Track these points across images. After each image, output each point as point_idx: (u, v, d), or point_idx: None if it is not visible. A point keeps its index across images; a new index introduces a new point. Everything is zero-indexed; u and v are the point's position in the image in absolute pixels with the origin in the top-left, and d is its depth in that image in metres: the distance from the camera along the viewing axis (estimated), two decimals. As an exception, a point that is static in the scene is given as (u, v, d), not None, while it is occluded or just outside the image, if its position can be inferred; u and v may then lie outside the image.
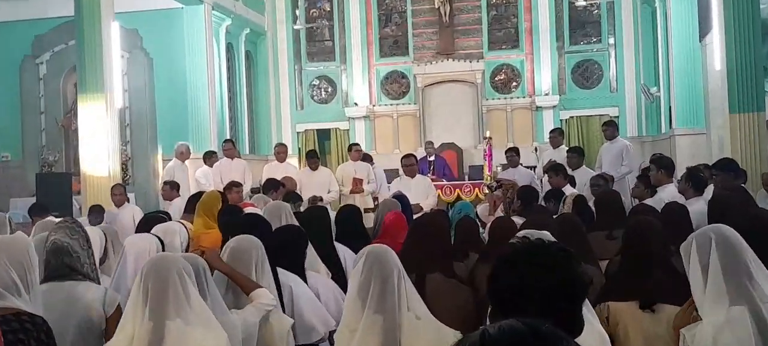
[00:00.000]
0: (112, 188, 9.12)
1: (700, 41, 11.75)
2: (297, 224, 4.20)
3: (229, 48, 14.90)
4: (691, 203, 5.46)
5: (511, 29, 16.40)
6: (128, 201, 9.26)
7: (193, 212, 5.58)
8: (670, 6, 12.63)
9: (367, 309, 2.58)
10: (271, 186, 7.68)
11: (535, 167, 10.80)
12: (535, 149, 12.74)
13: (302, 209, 6.84)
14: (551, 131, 10.46)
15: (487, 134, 10.77)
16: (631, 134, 15.10)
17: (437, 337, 2.56)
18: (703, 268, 2.53)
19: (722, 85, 9.44)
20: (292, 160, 13.97)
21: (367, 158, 11.01)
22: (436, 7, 16.10)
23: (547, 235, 2.83)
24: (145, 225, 4.69)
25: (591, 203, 5.86)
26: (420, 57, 16.29)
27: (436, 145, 13.83)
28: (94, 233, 3.72)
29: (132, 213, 8.26)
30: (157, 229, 4.15)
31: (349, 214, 5.13)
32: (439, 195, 10.56)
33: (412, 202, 7.11)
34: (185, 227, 3.91)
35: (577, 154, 8.86)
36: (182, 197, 8.07)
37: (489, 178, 9.54)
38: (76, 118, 11.02)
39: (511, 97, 15.99)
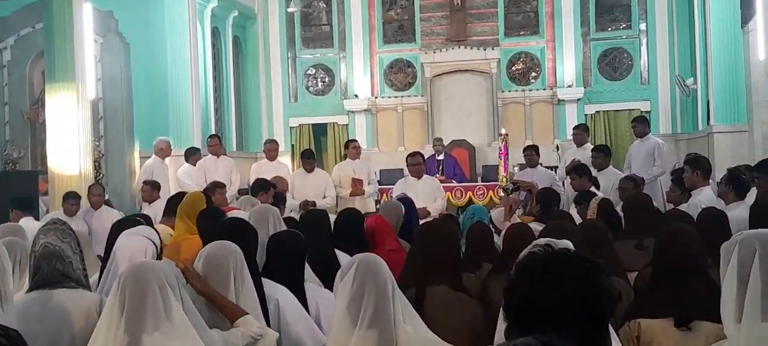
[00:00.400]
0: (90, 188, 9.13)
1: (741, 28, 11.71)
2: (285, 228, 4.20)
3: (215, 33, 14.90)
4: (731, 208, 5.45)
5: (531, 13, 16.38)
6: (109, 205, 9.26)
7: (173, 215, 5.57)
8: (709, -12, 12.62)
9: (359, 325, 2.59)
10: (260, 187, 7.68)
11: (556, 168, 10.78)
12: (557, 148, 12.74)
13: (293, 214, 6.82)
14: (575, 128, 10.45)
15: (503, 131, 10.69)
16: (664, 131, 15.08)
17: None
18: (740, 279, 2.50)
19: (767, 76, 9.41)
20: (284, 159, 13.97)
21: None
22: (447, -12, 16.12)
23: (568, 243, 2.82)
24: (118, 230, 4.66)
25: (618, 208, 5.85)
26: (428, 44, 16.29)
27: (445, 143, 13.83)
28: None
29: (112, 218, 8.27)
30: (124, 236, 4.11)
31: (348, 218, 5.11)
32: (448, 198, 10.56)
33: (418, 205, 7.11)
34: (157, 233, 3.90)
35: (604, 154, 8.86)
36: (164, 199, 8.07)
37: (504, 179, 9.52)
38: (44, 110, 11.03)
39: (530, 90, 15.97)
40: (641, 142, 9.39)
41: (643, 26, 15.97)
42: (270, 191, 7.66)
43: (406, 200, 6.49)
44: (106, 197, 9.56)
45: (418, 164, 8.77)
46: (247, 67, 16.53)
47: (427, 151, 13.15)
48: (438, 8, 16.36)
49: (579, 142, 9.92)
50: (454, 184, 12.02)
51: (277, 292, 3.36)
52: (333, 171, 10.39)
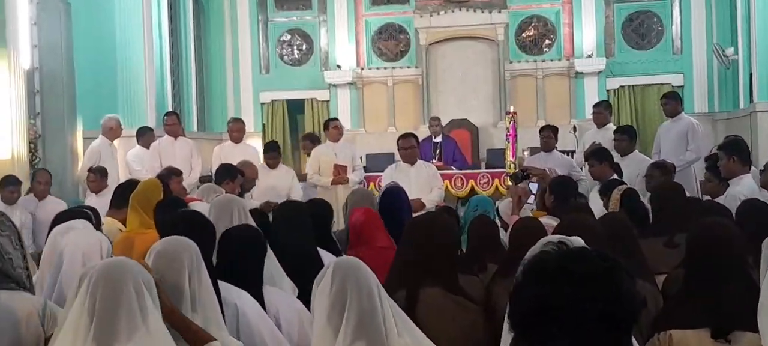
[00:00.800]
0: (35, 175, 9.10)
1: (791, -11, 11.76)
2: (253, 223, 4.20)
3: (173, -8, 14.84)
4: (776, 199, 5.48)
5: (544, -30, 16.38)
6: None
7: (121, 207, 5.56)
8: (753, -58, 12.64)
9: (342, 337, 2.60)
10: (225, 174, 7.67)
11: (573, 152, 10.79)
12: (574, 129, 12.73)
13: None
14: (595, 105, 10.46)
15: (511, 109, 10.78)
16: (699, 110, 15.11)
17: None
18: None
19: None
20: (254, 141, 13.94)
21: (313, 139, 11.01)
22: (446, -60, 16.08)
23: (581, 241, 2.83)
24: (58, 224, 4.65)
25: (645, 200, 5.87)
26: (424, 6, 16.25)
27: (443, 123, 13.81)
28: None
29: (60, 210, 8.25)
30: (59, 230, 4.10)
31: (317, 210, 5.11)
32: (446, 188, 10.57)
33: (411, 196, 7.11)
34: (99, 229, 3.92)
35: (628, 136, 8.86)
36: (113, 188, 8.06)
37: (512, 165, 9.55)
38: (-31, 82, 10.95)
39: (543, 60, 15.96)
40: (672, 123, 9.40)
41: (675, -13, 15.99)
42: (237, 178, 7.65)
43: (396, 190, 6.50)
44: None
45: (411, 148, 8.77)
46: (210, 32, 16.46)
47: (422, 132, 13.14)
48: (435, -36, 16.35)
49: (600, 122, 9.93)
50: (454, 171, 12.00)
51: (236, 296, 3.37)
52: (311, 155, 10.39)
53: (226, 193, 6.50)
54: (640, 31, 16.16)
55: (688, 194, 5.99)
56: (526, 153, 11.17)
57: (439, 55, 16.04)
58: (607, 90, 15.80)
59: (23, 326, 3.02)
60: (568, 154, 10.31)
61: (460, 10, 15.89)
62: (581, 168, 9.22)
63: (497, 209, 6.63)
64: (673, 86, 14.94)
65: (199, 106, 15.86)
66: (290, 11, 16.91)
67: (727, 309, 3.11)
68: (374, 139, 15.40)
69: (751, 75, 13.25)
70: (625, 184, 6.63)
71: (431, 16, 15.96)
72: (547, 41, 16.21)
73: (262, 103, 16.72)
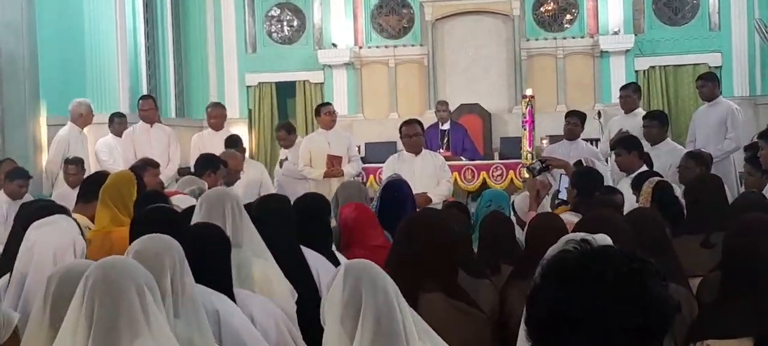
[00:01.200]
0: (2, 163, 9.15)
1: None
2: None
3: (147, -40, 14.83)
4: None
5: (565, -64, 16.36)
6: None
7: (89, 202, 5.57)
8: None
9: (358, 344, 2.63)
10: (206, 164, 7.69)
11: (597, 141, 10.79)
12: (598, 114, 12.73)
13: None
14: (622, 88, 10.46)
15: (528, 92, 10.77)
16: (739, 93, 15.09)
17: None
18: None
19: None
20: (239, 129, 13.93)
21: (288, 127, 10.97)
22: None
23: (606, 238, 2.83)
24: (26, 220, 4.64)
25: (679, 194, 5.87)
26: (429, -24, 16.24)
27: (452, 108, 13.82)
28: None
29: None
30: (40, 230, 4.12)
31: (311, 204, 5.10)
32: (455, 180, 10.57)
33: (415, 190, 7.11)
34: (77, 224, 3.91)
35: (659, 123, 8.87)
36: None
37: (530, 156, 9.55)
38: None
39: (564, 38, 15.95)
40: (709, 108, 9.40)
41: (712, -46, 15.97)
42: (220, 169, 7.67)
43: (399, 183, 6.50)
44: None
45: (415, 136, 8.78)
46: (189, 7, 16.43)
47: (428, 118, 13.14)
48: (443, -71, 16.30)
49: (628, 107, 9.93)
50: (464, 162, 12.02)
51: (216, 301, 3.39)
52: (301, 145, 10.40)
53: (208, 186, 6.55)
54: (672, 4, 16.13)
55: (727, 188, 6.00)
56: (544, 142, 11.18)
57: (447, 32, 16.02)
58: (636, 71, 15.77)
59: None
60: (592, 143, 10.30)
61: (471, -20, 15.89)
62: (607, 159, 9.21)
63: (512, 205, 6.64)
64: (710, 67, 14.90)
65: (177, 90, 15.86)
66: (279, -17, 16.90)
67: (770, 316, 3.12)
68: (374, 127, 15.40)
69: (797, 54, 13.25)
70: (659, 176, 6.63)
71: (438, -13, 15.95)
72: (568, 16, 16.19)
73: (248, 86, 16.70)
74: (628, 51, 15.77)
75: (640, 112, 9.78)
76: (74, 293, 2.60)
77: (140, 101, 11.07)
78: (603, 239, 2.77)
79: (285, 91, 16.71)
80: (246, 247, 4.07)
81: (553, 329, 1.61)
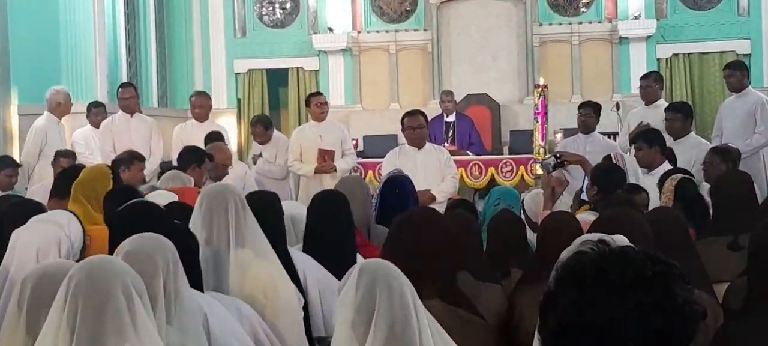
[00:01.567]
0: None
1: None
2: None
3: (128, -63, 14.82)
4: None
5: None
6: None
7: (63, 198, 5.58)
8: None
9: None
10: (191, 158, 7.69)
11: (615, 134, 10.78)
12: (617, 106, 12.73)
13: None
14: (643, 77, 10.46)
15: (541, 81, 10.75)
16: (770, 84, 15.11)
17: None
18: None
19: None
20: (226, 120, 13.94)
21: (266, 122, 10.93)
22: None
23: (624, 239, 2.83)
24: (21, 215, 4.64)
25: (704, 192, 5.87)
26: (434, -45, 16.23)
27: (457, 98, 13.80)
28: None
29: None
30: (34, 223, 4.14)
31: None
32: (461, 177, 10.57)
33: (418, 187, 7.11)
34: (80, 223, 3.94)
35: (683, 115, 8.88)
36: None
37: (542, 150, 9.54)
38: None
39: (580, 23, 15.94)
40: (737, 99, 9.40)
41: (741, -68, 15.96)
42: (205, 163, 7.67)
43: (401, 179, 6.49)
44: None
45: (419, 128, 8.77)
46: (173, -13, 16.44)
47: (432, 109, 13.13)
48: None
49: (649, 97, 9.93)
50: (471, 157, 12.03)
51: (204, 303, 3.40)
52: (291, 137, 10.40)
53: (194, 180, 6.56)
54: (697, -13, 16.14)
55: (755, 185, 5.99)
56: (558, 136, 11.17)
57: (453, 16, 16.01)
58: (658, 59, 15.76)
59: None
60: (610, 137, 10.29)
61: (479, -39, 15.88)
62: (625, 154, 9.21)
63: (523, 203, 6.63)
64: (738, 55, 14.90)
65: (159, 78, 15.84)
66: (271, -38, 16.90)
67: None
68: (373, 118, 15.39)
69: (832, 41, 13.25)
70: (687, 172, 6.62)
71: (443, -33, 15.95)
72: (584, 0, 16.19)
73: (237, 74, 16.68)
74: (649, 37, 15.75)
75: (662, 103, 9.79)
76: (52, 295, 2.60)
77: (120, 89, 11.05)
78: (622, 240, 2.77)
79: (277, 79, 16.69)
80: (248, 247, 4.08)
81: (569, 338, 1.61)
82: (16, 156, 11.31)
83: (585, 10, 16.11)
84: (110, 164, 6.84)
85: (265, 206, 4.45)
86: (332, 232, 4.62)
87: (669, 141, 8.16)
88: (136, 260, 3.03)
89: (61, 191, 5.86)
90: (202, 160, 7.68)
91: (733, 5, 15.91)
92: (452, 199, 8.32)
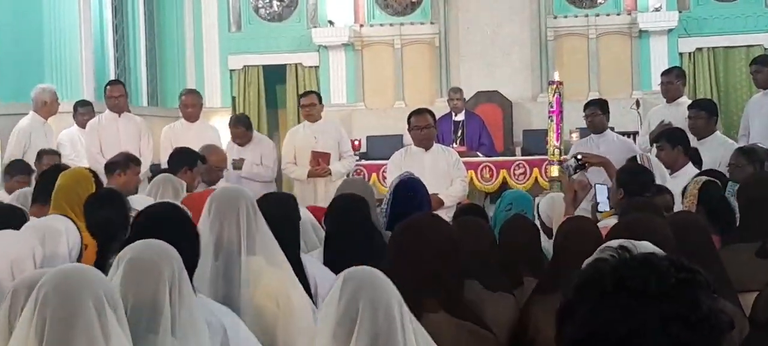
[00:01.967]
0: None
1: None
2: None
3: (115, -75, 14.84)
4: None
5: None
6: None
7: (46, 203, 5.58)
8: None
9: None
10: (182, 160, 7.69)
11: (635, 134, 10.78)
12: (637, 104, 12.74)
13: None
14: (664, 73, 10.47)
15: (556, 77, 10.75)
16: (800, 80, 15.09)
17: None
18: None
19: None
20: (220, 119, 13.93)
21: (247, 122, 10.85)
22: None
23: (648, 245, 2.84)
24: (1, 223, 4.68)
25: (731, 196, 5.87)
26: (441, -57, 16.24)
27: (467, 96, 13.80)
28: None
29: None
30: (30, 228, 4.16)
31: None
32: (471, 179, 10.58)
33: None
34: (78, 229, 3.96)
35: (707, 113, 8.89)
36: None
37: (556, 151, 9.54)
38: None
39: (597, 15, 15.94)
40: (765, 96, 9.41)
41: None
42: (198, 165, 7.69)
43: (413, 183, 6.46)
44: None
45: (426, 127, 8.78)
46: (163, -21, 16.45)
47: (440, 107, 13.13)
48: None
49: (671, 95, 9.93)
50: (481, 158, 12.03)
51: (220, 315, 3.42)
52: (285, 138, 10.40)
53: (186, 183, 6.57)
54: (722, -24, 16.14)
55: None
56: (574, 136, 11.17)
57: (462, 8, 15.97)
58: (680, 53, 15.76)
59: None
60: (629, 136, 10.28)
61: (489, -51, 15.87)
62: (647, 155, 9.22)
63: (537, 208, 6.63)
64: (765, 49, 14.90)
65: (149, 75, 15.85)
66: (268, -50, 16.92)
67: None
68: (377, 118, 15.40)
69: None
70: (720, 174, 6.61)
71: (451, -44, 15.95)
72: (602, -10, 16.22)
73: (232, 70, 16.68)
74: (671, 30, 15.74)
75: (685, 101, 9.78)
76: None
77: (108, 87, 11.03)
78: (645, 246, 2.78)
79: (274, 75, 16.69)
80: (260, 254, 4.09)
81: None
82: (-3, 158, 11.35)
83: (602, 1, 16.11)
84: (104, 168, 6.83)
85: (279, 211, 4.48)
86: (352, 238, 4.67)
87: (692, 141, 8.16)
88: (140, 270, 3.05)
89: (43, 196, 5.84)
90: (194, 162, 7.68)
91: (760, -3, 15.93)
92: (461, 203, 8.32)
